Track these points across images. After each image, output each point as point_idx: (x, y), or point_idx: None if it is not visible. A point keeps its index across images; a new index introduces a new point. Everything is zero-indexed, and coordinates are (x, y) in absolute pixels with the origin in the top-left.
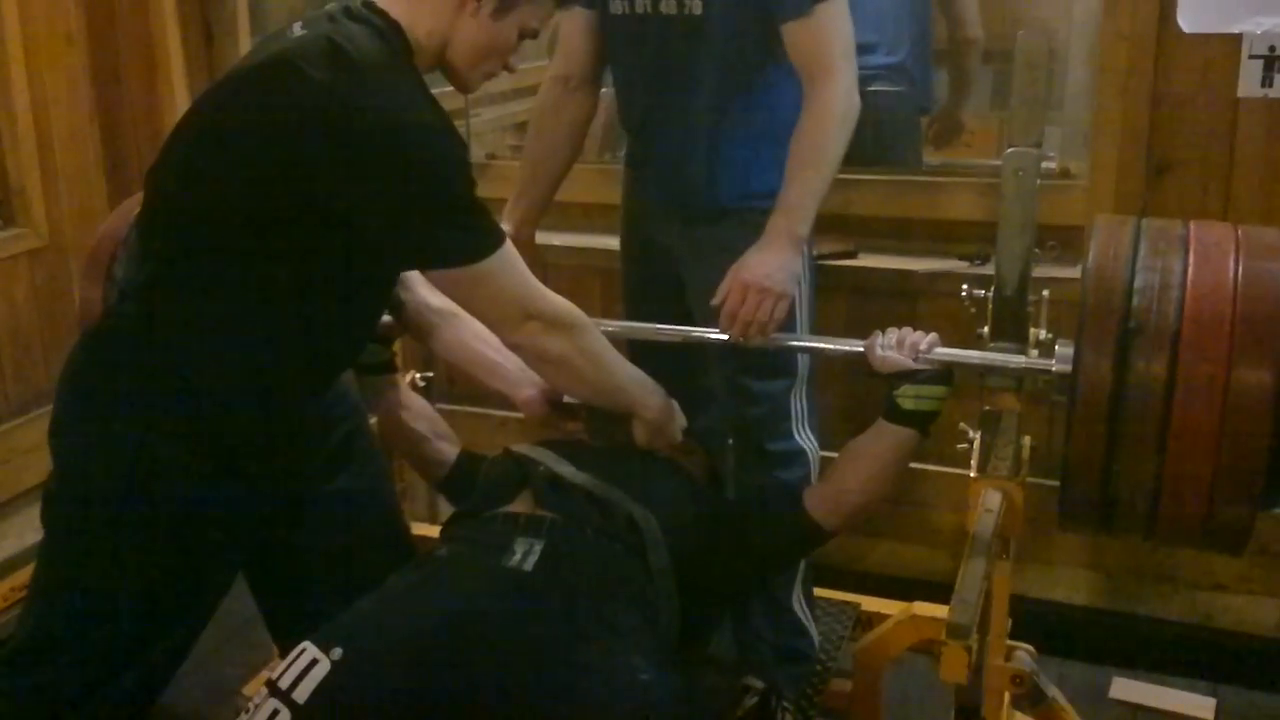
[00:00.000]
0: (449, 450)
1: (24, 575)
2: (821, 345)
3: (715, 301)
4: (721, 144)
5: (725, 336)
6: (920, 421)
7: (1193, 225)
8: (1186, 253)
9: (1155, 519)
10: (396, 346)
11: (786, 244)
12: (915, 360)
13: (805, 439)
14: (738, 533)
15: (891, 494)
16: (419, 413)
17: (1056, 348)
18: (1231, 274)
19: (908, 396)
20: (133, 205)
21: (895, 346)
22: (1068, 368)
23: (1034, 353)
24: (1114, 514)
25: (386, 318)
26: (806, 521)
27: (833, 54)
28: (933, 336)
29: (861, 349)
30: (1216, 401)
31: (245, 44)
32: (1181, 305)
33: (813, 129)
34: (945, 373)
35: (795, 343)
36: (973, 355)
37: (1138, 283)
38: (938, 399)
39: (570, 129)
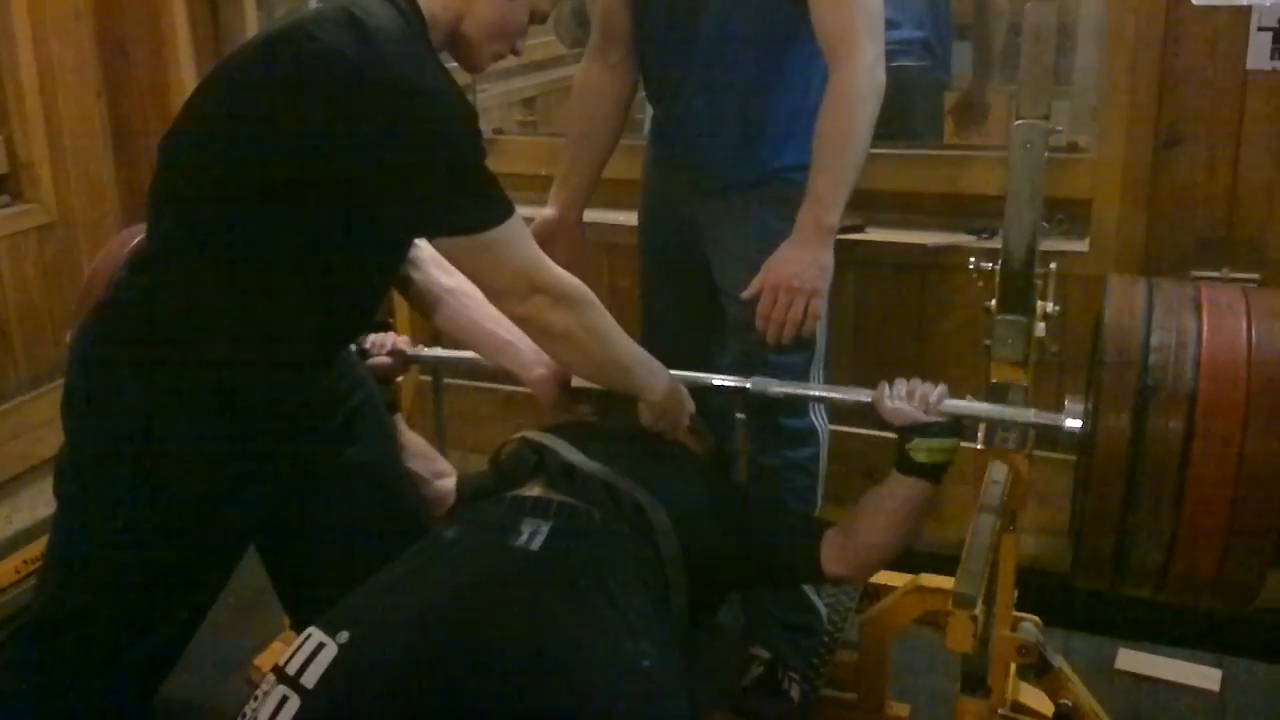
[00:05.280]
0: (447, 487)
1: (36, 548)
2: (830, 395)
3: (746, 296)
4: (753, 118)
5: (745, 384)
6: (932, 473)
7: (1203, 286)
8: (1200, 312)
9: (1167, 575)
10: (397, 386)
11: (815, 238)
12: (925, 412)
13: (818, 417)
14: (747, 545)
15: (912, 544)
16: (417, 452)
17: (1066, 403)
18: (1245, 334)
19: (920, 450)
20: (130, 236)
21: (905, 398)
22: (1078, 424)
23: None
24: (1126, 569)
25: (386, 359)
26: (819, 573)
27: (856, 28)
28: (941, 388)
29: (870, 400)
30: (1232, 459)
31: (251, 17)
32: (1198, 364)
33: (836, 111)
34: (955, 425)
35: (802, 391)
36: (982, 408)
37: (1154, 341)
38: (949, 450)
39: (612, 107)
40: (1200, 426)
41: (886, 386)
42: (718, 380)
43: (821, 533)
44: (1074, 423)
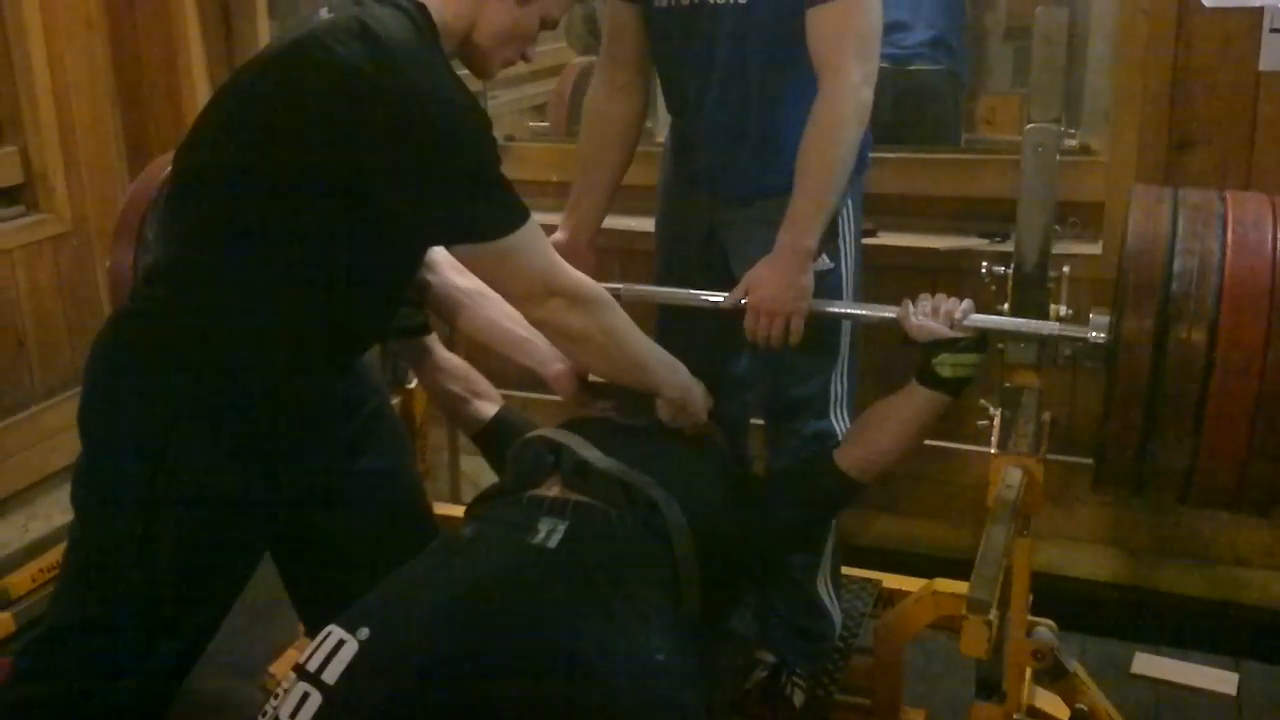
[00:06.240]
0: (487, 408)
1: (53, 556)
2: (854, 312)
3: (725, 304)
4: (773, 128)
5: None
6: (955, 387)
7: (1230, 199)
8: (1225, 232)
9: (1189, 487)
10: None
11: (793, 260)
12: (950, 327)
13: (839, 421)
14: (767, 500)
15: (918, 448)
16: (455, 373)
17: (1091, 316)
18: (1269, 255)
19: (946, 364)
20: (161, 166)
21: (930, 314)
22: (1103, 336)
23: (1061, 309)
24: (1149, 482)
25: None
26: (841, 477)
27: (843, 50)
28: (967, 303)
29: (894, 315)
30: (1253, 381)
31: (264, 27)
32: (1220, 290)
33: (817, 134)
34: (981, 340)
35: (829, 309)
36: (1008, 322)
37: (1176, 266)
38: (974, 365)
39: (621, 131)
40: (1222, 349)
41: (910, 303)
42: (723, 297)
43: (830, 450)
44: (1100, 335)
